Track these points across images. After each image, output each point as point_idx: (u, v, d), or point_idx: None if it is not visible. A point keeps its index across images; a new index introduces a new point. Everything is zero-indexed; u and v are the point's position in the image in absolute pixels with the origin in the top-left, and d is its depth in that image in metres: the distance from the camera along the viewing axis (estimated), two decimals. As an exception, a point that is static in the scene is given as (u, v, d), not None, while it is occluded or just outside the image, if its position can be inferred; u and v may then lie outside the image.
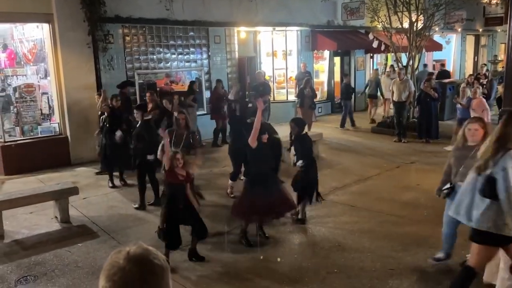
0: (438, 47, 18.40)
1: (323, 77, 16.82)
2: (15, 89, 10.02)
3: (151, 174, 7.43)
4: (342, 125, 13.81)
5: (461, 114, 10.66)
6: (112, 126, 8.42)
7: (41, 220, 6.95)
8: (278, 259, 5.53)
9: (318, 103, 16.17)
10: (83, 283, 5.04)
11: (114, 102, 8.74)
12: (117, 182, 8.59)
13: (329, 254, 5.65)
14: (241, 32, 13.43)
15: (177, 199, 5.33)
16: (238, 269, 5.35)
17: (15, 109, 9.93)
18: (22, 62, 10.34)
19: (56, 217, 6.96)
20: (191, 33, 12.20)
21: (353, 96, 14.58)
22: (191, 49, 12.30)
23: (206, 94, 12.69)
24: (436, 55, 20.56)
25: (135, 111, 7.69)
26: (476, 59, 23.79)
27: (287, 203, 6.05)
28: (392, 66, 15.26)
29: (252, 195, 5.81)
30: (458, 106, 10.74)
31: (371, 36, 14.33)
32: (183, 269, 5.33)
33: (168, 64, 11.92)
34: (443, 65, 19.48)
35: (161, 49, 11.68)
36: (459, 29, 20.40)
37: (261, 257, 5.55)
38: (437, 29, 15.65)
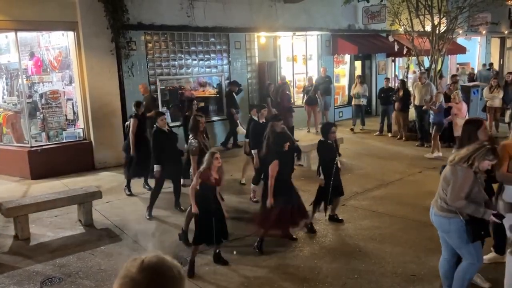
0: (461, 50, 18.10)
1: (344, 82, 16.74)
2: (41, 96, 10.30)
3: (176, 180, 7.44)
4: (381, 131, 13.48)
5: (434, 118, 10.62)
6: (138, 132, 8.40)
7: (66, 224, 7.11)
8: (234, 252, 5.81)
9: (339, 107, 16.14)
10: (106, 285, 5.14)
11: (137, 109, 8.62)
12: (139, 189, 8.67)
13: (350, 259, 5.61)
14: (261, 37, 13.49)
15: (208, 199, 5.34)
16: (258, 273, 5.36)
17: (41, 115, 10.20)
18: (48, 69, 10.59)
19: (80, 220, 7.11)
20: (212, 39, 12.32)
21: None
22: (212, 55, 12.41)
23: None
24: (460, 58, 20.24)
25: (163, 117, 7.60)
26: (501, 62, 23.32)
27: (302, 212, 6.06)
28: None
29: (275, 205, 5.79)
30: (431, 111, 10.67)
31: (391, 39, 14.19)
32: (204, 272, 5.37)
33: (189, 70, 12.06)
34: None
35: (182, 55, 11.83)
36: (484, 32, 20.03)
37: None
38: (460, 32, 15.39)
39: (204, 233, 5.35)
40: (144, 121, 8.72)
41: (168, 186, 7.61)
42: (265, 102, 11.92)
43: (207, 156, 5.38)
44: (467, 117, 9.95)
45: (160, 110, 11.05)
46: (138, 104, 8.72)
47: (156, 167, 7.18)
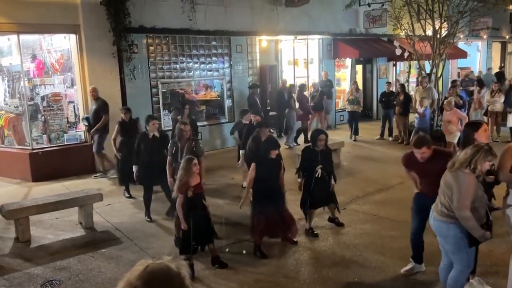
0: (462, 54, 18.11)
1: (345, 85, 16.75)
2: (43, 98, 10.33)
3: (165, 186, 7.29)
4: (382, 135, 13.41)
5: (419, 124, 10.58)
6: (125, 138, 8.41)
7: (66, 226, 7.11)
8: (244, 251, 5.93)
9: (340, 111, 16.15)
10: (106, 288, 5.14)
11: (123, 115, 8.59)
12: (139, 191, 8.61)
13: (350, 263, 5.60)
14: (262, 41, 13.52)
15: (194, 207, 5.31)
16: (258, 277, 5.35)
17: (43, 117, 10.22)
18: (50, 72, 10.62)
19: (80, 223, 7.11)
20: (213, 43, 12.35)
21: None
22: (213, 58, 12.44)
23: (228, 103, 12.81)
24: (461, 62, 20.25)
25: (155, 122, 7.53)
26: (502, 66, 23.33)
27: (286, 220, 5.99)
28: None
29: (261, 212, 5.80)
30: (416, 115, 10.63)
31: (396, 44, 14.19)
32: (204, 275, 5.36)
33: (191, 73, 12.08)
34: None
35: (184, 59, 11.85)
36: (485, 36, 20.06)
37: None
38: (461, 36, 15.41)
39: (190, 240, 5.28)
40: (133, 127, 8.52)
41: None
42: (288, 104, 12.29)
43: (183, 163, 5.26)
44: (462, 122, 9.84)
45: (160, 113, 11.14)
46: (125, 110, 8.69)
47: (134, 168, 7.42)
